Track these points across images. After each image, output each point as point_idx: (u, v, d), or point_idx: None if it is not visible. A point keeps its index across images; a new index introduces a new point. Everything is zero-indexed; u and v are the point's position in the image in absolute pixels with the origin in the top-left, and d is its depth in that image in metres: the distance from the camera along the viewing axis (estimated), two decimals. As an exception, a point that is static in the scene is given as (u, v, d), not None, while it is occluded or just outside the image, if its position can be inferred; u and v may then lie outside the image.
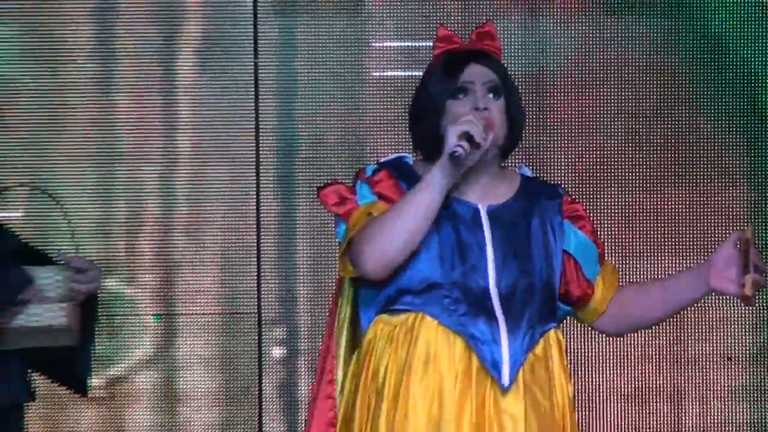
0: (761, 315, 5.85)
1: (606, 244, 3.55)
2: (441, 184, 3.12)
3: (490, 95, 3.20)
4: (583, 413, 5.97)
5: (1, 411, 3.94)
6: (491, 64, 3.26)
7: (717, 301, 5.57)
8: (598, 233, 3.37)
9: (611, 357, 5.97)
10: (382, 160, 3.37)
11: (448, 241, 3.24)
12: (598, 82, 5.88)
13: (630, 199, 5.72)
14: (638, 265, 5.80)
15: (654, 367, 5.97)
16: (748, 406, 5.90)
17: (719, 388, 5.95)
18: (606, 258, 3.39)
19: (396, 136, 5.30)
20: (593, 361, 5.95)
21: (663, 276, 5.34)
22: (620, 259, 5.62)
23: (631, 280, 4.86)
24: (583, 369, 5.99)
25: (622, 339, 5.89)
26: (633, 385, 6.00)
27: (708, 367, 5.97)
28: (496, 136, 3.13)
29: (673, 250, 5.84)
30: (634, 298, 3.39)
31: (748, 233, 3.04)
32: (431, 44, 3.52)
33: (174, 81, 5.84)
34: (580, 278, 3.34)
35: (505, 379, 3.12)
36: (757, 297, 3.17)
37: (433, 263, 3.21)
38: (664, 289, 3.37)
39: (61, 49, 5.50)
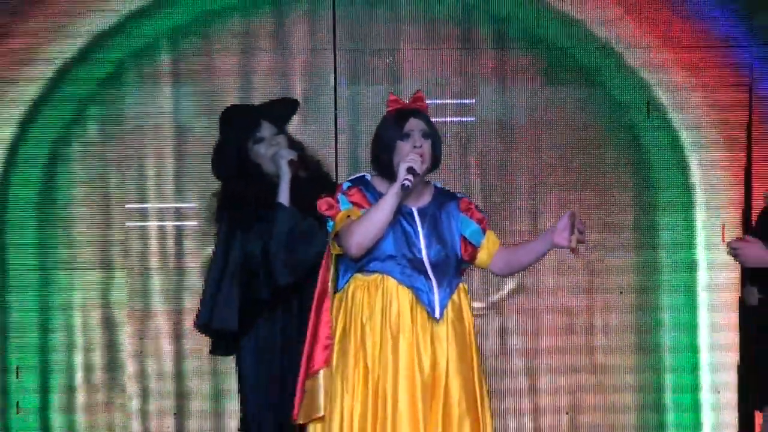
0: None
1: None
2: (395, 202, 4.39)
3: (423, 138, 4.49)
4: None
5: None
6: (423, 118, 4.52)
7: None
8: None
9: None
10: (351, 177, 4.73)
11: (397, 230, 4.50)
12: (544, 129, 7.49)
13: (554, 201, 7.32)
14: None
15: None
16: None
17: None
18: (489, 231, 4.73)
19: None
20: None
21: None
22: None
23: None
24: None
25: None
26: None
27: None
28: (426, 164, 4.46)
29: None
30: (508, 253, 4.75)
31: (575, 213, 4.54)
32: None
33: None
34: (467, 247, 4.63)
35: (437, 314, 4.44)
36: (579, 250, 4.54)
37: (389, 243, 4.47)
38: (525, 247, 4.76)
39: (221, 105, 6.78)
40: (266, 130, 5.47)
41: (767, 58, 7.69)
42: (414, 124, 4.50)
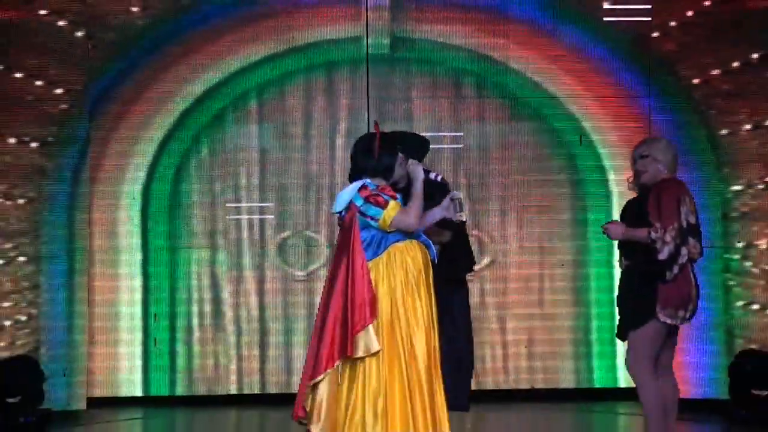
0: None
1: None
2: (440, 217, 5.56)
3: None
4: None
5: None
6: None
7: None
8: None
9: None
10: (364, 182, 5.48)
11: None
12: (510, 153, 9.00)
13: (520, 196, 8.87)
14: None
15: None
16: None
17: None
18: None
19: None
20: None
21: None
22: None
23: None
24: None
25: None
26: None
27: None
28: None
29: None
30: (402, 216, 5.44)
31: (455, 195, 5.54)
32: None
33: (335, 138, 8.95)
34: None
35: (436, 258, 5.53)
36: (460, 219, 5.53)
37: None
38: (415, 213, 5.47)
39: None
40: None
41: (659, 100, 8.90)
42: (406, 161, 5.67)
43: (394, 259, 5.46)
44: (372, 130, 5.80)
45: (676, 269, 5.83)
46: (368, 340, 5.35)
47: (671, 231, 5.76)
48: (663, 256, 5.77)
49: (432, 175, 6.17)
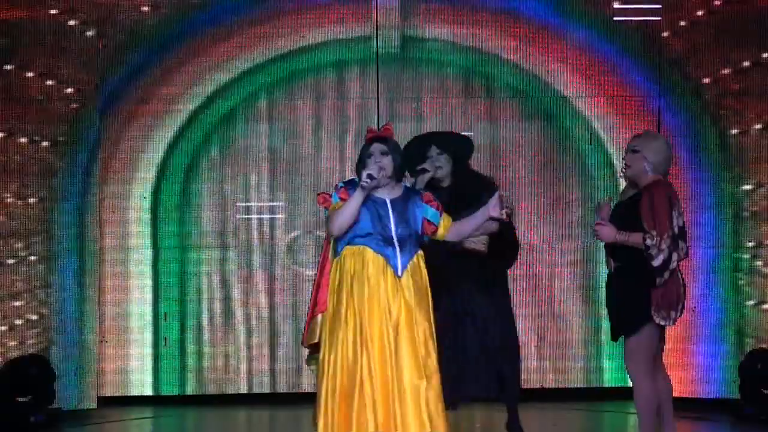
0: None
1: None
2: (360, 197, 5.33)
3: (382, 155, 5.45)
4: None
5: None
6: (384, 141, 5.47)
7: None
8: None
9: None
10: (346, 180, 5.60)
11: (374, 215, 5.43)
12: (519, 151, 9.02)
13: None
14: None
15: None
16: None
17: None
18: (444, 214, 5.59)
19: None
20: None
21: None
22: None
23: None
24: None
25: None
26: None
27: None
28: (384, 172, 5.39)
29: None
30: (459, 225, 5.63)
31: (503, 194, 5.54)
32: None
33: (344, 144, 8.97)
34: (428, 226, 5.55)
35: (399, 272, 5.40)
36: (505, 215, 5.48)
37: (368, 224, 5.41)
38: (469, 220, 5.62)
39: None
40: (433, 150, 6.73)
41: (669, 99, 8.91)
42: (375, 147, 5.55)
43: (344, 261, 5.51)
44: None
45: (666, 275, 5.92)
46: (314, 329, 5.56)
47: (666, 240, 5.84)
48: (657, 263, 5.86)
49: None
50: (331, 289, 5.55)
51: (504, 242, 6.61)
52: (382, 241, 5.50)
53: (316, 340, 5.51)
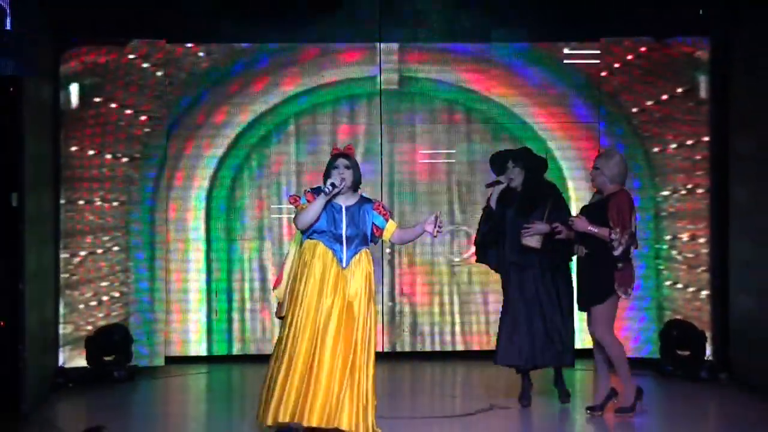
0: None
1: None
2: (322, 201, 5.61)
3: (345, 168, 5.74)
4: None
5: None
6: (347, 158, 5.78)
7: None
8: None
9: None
10: (314, 187, 5.85)
11: (330, 217, 5.72)
12: (483, 169, 8.89)
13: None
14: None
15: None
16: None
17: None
18: (390, 220, 5.77)
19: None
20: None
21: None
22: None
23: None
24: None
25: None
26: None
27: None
28: (345, 183, 5.66)
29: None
30: (401, 232, 5.90)
31: (438, 215, 5.69)
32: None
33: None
34: (376, 230, 5.76)
35: (344, 264, 5.72)
36: (437, 234, 5.61)
37: (323, 223, 5.73)
38: (409, 230, 5.94)
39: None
40: (509, 163, 7.17)
41: (607, 125, 9.37)
42: (340, 162, 5.89)
43: (304, 251, 5.92)
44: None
45: (624, 261, 6.76)
46: (282, 305, 5.93)
47: (626, 236, 6.63)
48: (617, 253, 6.68)
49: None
50: (293, 274, 5.87)
51: (555, 241, 7.00)
52: (332, 238, 5.83)
53: (279, 299, 5.97)
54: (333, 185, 5.74)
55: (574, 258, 7.25)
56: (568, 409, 7.48)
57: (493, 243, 7.17)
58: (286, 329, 5.69)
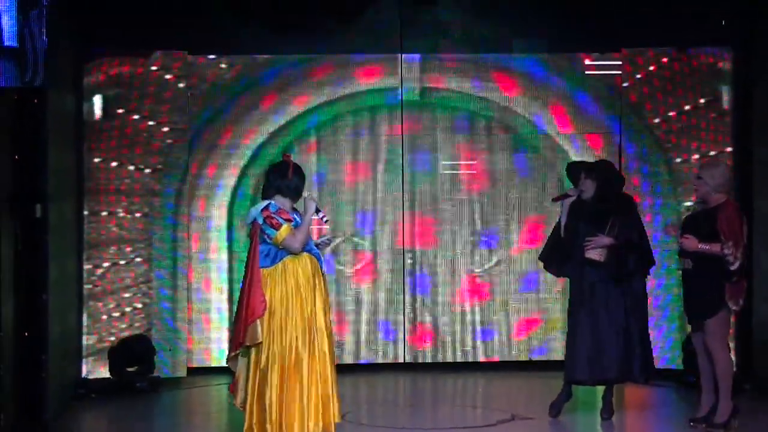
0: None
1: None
2: (309, 220, 5.77)
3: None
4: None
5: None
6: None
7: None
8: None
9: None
10: (265, 204, 5.75)
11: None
12: (511, 176, 9.45)
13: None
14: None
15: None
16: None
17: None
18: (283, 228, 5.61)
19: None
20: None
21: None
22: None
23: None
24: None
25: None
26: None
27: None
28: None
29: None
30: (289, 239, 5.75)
31: (313, 197, 5.77)
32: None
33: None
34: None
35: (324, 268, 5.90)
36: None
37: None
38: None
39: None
40: (582, 175, 7.17)
41: (628, 135, 9.34)
42: (302, 177, 6.04)
43: (286, 268, 5.88)
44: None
45: (738, 275, 6.75)
46: (254, 332, 5.76)
47: (741, 249, 6.62)
48: (734, 267, 6.63)
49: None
50: (277, 294, 5.83)
51: (619, 254, 7.01)
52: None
53: (260, 340, 5.77)
54: (327, 221, 6.08)
55: (652, 270, 7.46)
56: (591, 421, 7.54)
57: (566, 256, 7.21)
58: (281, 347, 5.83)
